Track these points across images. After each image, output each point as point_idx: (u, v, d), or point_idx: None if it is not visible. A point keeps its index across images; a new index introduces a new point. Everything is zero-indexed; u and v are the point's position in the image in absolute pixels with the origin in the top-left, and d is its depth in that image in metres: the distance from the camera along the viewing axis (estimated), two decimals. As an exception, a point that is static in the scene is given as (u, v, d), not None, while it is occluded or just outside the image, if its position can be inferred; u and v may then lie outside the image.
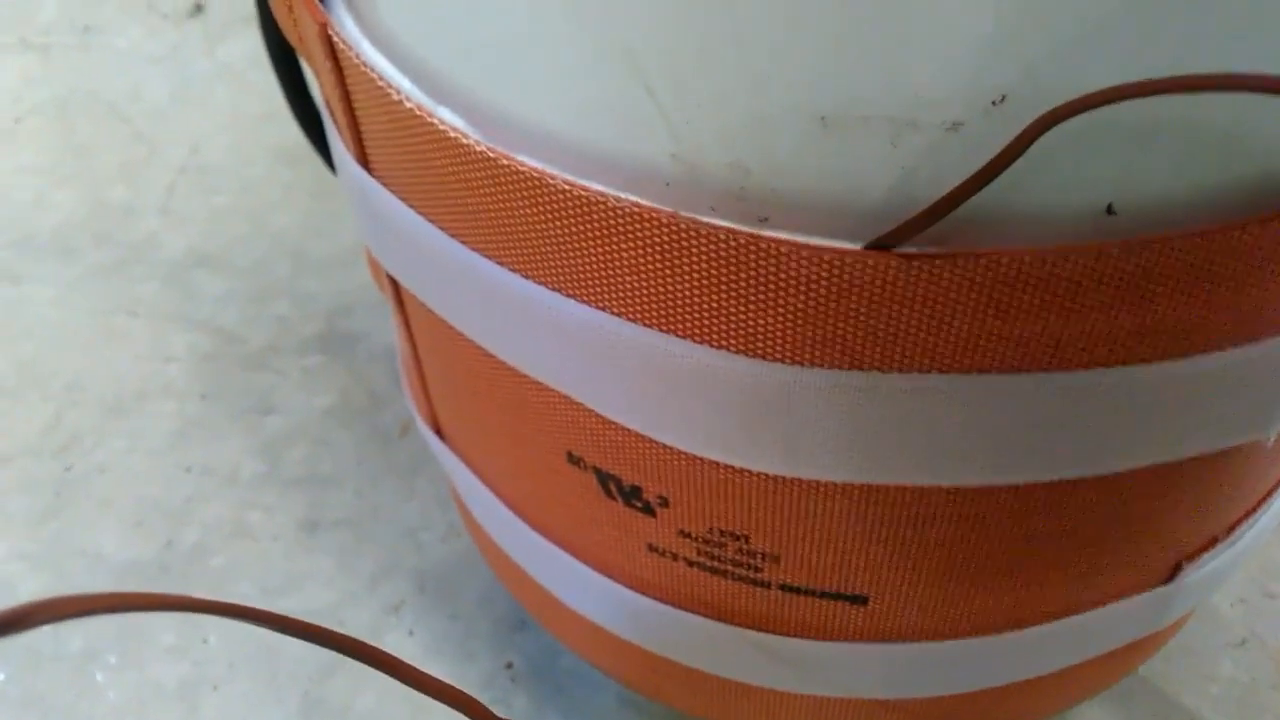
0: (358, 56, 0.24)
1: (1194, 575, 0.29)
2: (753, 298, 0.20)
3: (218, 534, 0.49)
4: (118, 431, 0.54)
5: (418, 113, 0.22)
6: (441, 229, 0.24)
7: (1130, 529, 0.26)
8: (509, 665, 0.43)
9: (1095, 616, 0.29)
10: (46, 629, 0.44)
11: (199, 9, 0.85)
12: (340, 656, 0.42)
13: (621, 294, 0.22)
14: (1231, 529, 0.29)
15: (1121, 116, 0.17)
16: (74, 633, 0.45)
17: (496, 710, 0.36)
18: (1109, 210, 0.19)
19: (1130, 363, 0.20)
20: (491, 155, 0.21)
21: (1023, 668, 0.30)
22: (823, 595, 0.27)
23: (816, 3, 0.17)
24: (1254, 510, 0.30)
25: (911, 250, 0.19)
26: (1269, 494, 0.30)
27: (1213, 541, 0.29)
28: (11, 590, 0.47)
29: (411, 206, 0.25)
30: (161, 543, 0.48)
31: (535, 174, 0.21)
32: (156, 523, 0.49)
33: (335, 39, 0.24)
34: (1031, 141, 0.16)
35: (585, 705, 0.42)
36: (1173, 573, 0.29)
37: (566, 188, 0.20)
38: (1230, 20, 0.16)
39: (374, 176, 0.27)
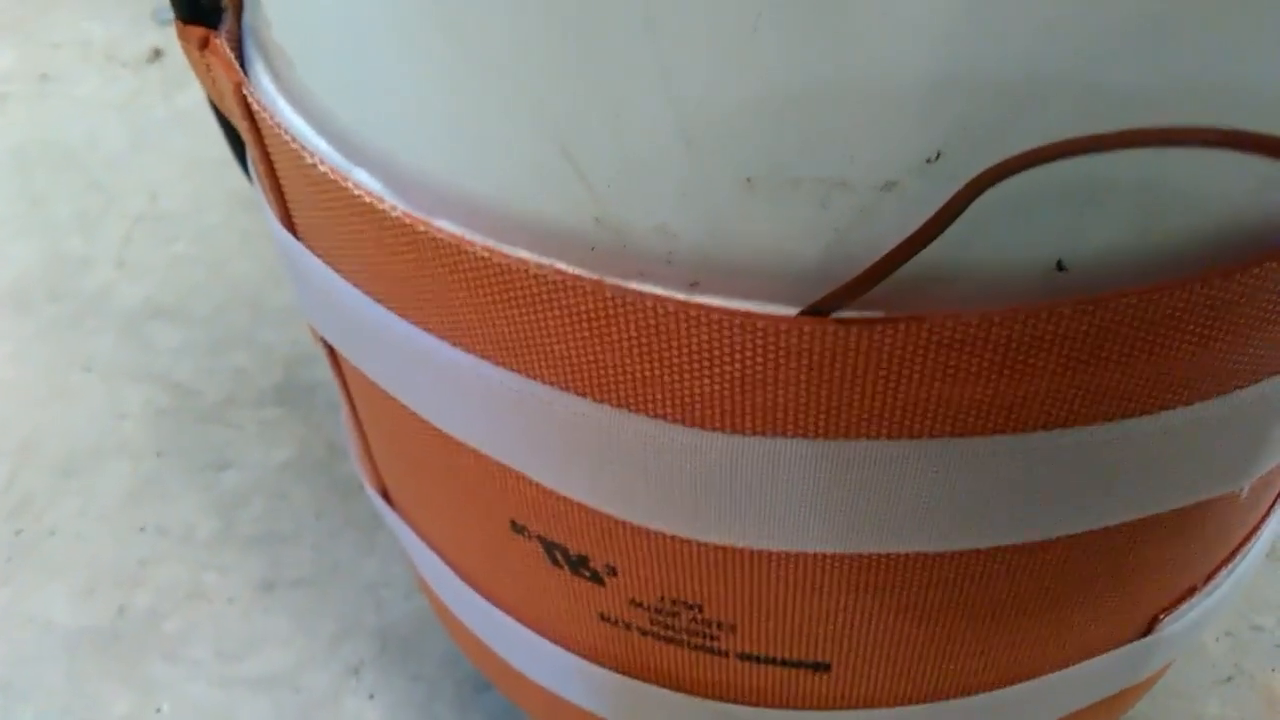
0: (273, 117, 0.22)
1: (1172, 627, 0.28)
2: (686, 366, 0.19)
3: (172, 597, 0.47)
4: (70, 492, 0.52)
5: (332, 176, 0.21)
6: (367, 294, 0.23)
7: (1102, 587, 0.25)
8: (473, 729, 0.42)
9: (1070, 674, 0.27)
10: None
11: (157, 55, 0.84)
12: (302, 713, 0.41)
13: (550, 362, 0.20)
14: (1209, 578, 0.28)
15: (1068, 172, 0.16)
16: (25, 705, 0.44)
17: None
18: (1059, 267, 0.18)
19: (1089, 423, 0.19)
20: (408, 221, 0.20)
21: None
22: (783, 664, 0.26)
23: (738, 61, 0.16)
24: (1231, 558, 0.29)
25: (851, 315, 0.18)
26: (1246, 540, 0.29)
27: (1190, 592, 0.28)
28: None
29: (337, 271, 0.24)
30: (114, 609, 0.47)
31: (453, 240, 0.19)
32: (109, 588, 0.48)
33: (250, 100, 0.23)
34: (968, 203, 0.15)
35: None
36: (1150, 626, 0.28)
37: (485, 255, 0.19)
38: (1175, 73, 0.15)
39: (299, 240, 0.25)
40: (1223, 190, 0.17)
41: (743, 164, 0.17)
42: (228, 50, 0.25)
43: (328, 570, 0.48)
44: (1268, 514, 0.30)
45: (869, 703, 0.27)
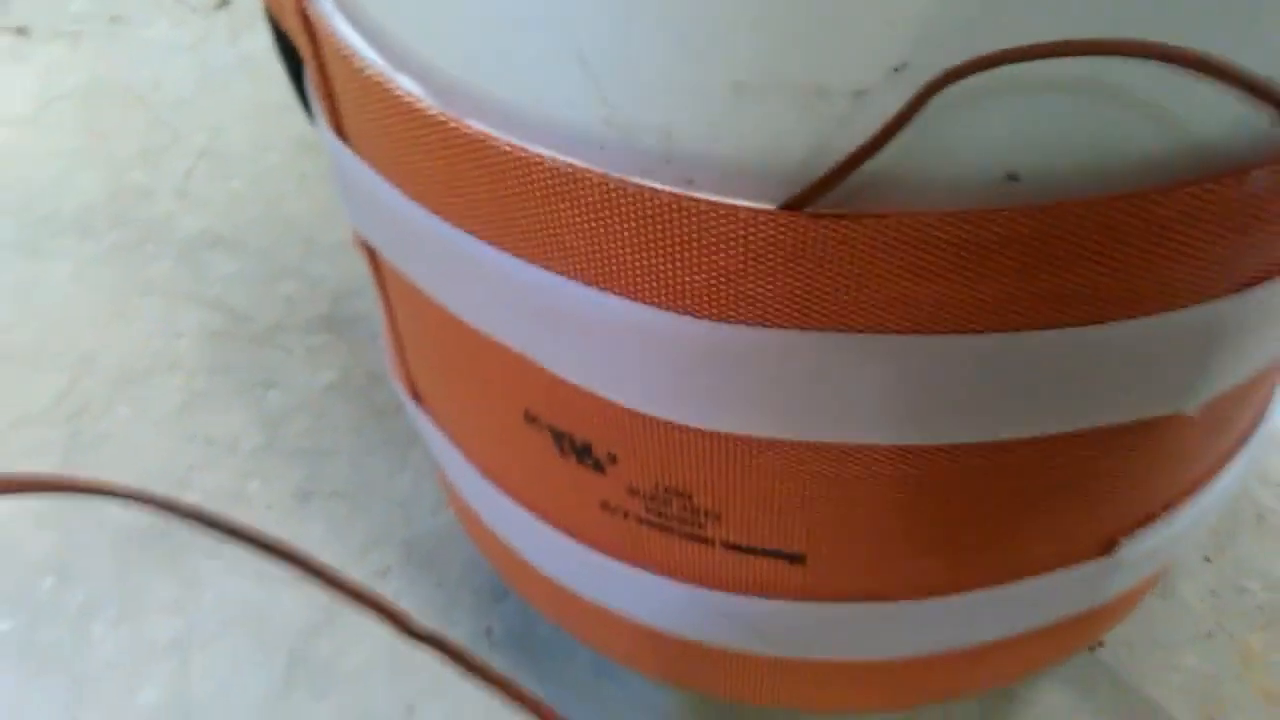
0: (329, 29, 0.25)
1: (1131, 550, 0.30)
2: (678, 256, 0.21)
3: (216, 501, 0.50)
4: (125, 401, 0.56)
5: (379, 80, 0.24)
6: (404, 193, 0.26)
7: (1059, 498, 0.27)
8: (489, 631, 0.45)
9: (1033, 585, 0.30)
10: (50, 582, 0.46)
11: (224, 2, 0.88)
12: (325, 617, 0.44)
13: (562, 253, 0.23)
14: (1168, 507, 0.30)
15: (1019, 81, 0.18)
16: (77, 588, 0.47)
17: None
18: (1010, 177, 0.20)
19: (1038, 328, 0.22)
20: (442, 119, 0.23)
21: (965, 633, 0.31)
22: (763, 553, 0.28)
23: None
24: (1193, 490, 0.31)
25: (824, 211, 0.20)
26: (1208, 476, 0.31)
27: (1150, 518, 0.30)
28: (20, 546, 0.49)
29: (378, 172, 0.27)
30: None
31: (480, 136, 0.22)
32: (158, 489, 0.51)
33: (309, 13, 0.26)
34: (922, 103, 0.18)
35: (560, 671, 0.44)
36: (1109, 546, 0.30)
37: (508, 149, 0.22)
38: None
39: (347, 144, 0.28)
40: (1169, 110, 0.19)
41: (732, 70, 0.19)
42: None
43: (361, 485, 0.51)
44: (1231, 454, 0.32)
45: (840, 595, 0.29)
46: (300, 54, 0.30)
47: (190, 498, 0.51)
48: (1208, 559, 0.47)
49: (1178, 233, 0.21)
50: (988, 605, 0.30)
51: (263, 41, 0.84)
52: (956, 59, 0.18)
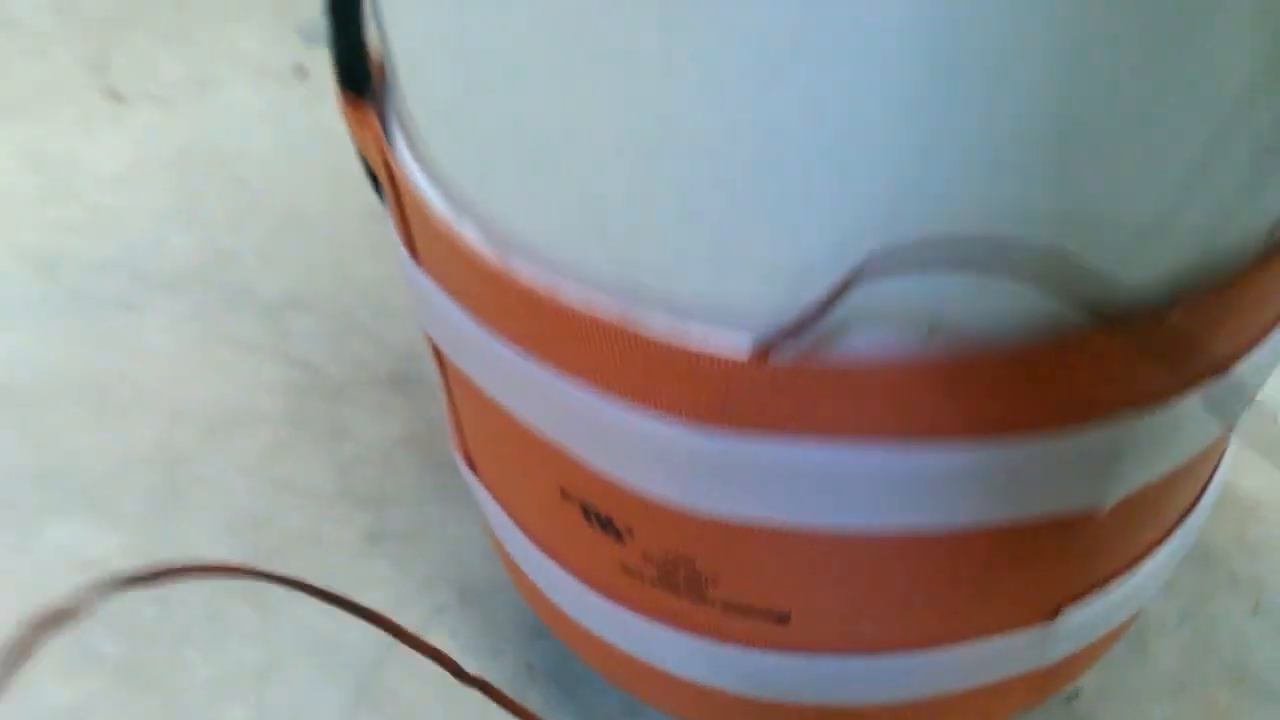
0: (404, 172, 0.32)
1: (1073, 618, 0.35)
2: (672, 382, 0.27)
3: (295, 541, 0.57)
4: (215, 448, 0.63)
5: (446, 227, 0.30)
6: (466, 313, 0.32)
7: (1001, 573, 0.32)
8: (530, 666, 0.51)
9: (985, 645, 0.35)
10: (150, 611, 0.53)
11: (304, 73, 0.96)
12: (389, 651, 0.50)
13: (590, 372, 0.29)
14: (1106, 580, 0.35)
15: (917, 278, 0.24)
16: (174, 617, 0.54)
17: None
18: (930, 332, 0.25)
19: (958, 440, 0.27)
20: (497, 268, 0.29)
21: (927, 684, 0.36)
22: (753, 612, 0.34)
23: (723, 200, 0.24)
24: (1130, 566, 0.36)
25: (784, 360, 0.26)
26: (1145, 552, 0.36)
27: (1088, 590, 0.35)
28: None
29: (445, 292, 0.33)
30: (248, 546, 0.57)
31: (527, 284, 0.28)
32: (244, 529, 0.58)
33: (389, 158, 0.32)
34: (846, 290, 0.24)
35: (593, 707, 0.49)
36: (1051, 614, 0.35)
37: (548, 295, 0.28)
38: (972, 206, 0.23)
39: (419, 265, 0.34)
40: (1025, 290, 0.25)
41: (725, 249, 0.25)
42: (374, 114, 0.34)
43: (423, 530, 0.57)
44: (1170, 529, 0.37)
45: (820, 649, 0.35)
46: (380, 181, 0.36)
47: (271, 537, 0.57)
48: (1182, 618, 0.52)
49: (1062, 375, 0.26)
50: (945, 662, 0.35)
51: (335, 111, 0.91)
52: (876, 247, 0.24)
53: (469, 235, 0.30)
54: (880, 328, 0.26)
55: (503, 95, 0.26)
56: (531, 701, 0.49)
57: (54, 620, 0.30)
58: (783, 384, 0.26)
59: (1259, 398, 0.62)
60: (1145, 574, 0.37)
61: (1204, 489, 0.38)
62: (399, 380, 0.66)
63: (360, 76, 0.34)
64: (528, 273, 0.29)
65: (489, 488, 0.42)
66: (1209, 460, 0.36)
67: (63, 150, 0.87)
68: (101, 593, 0.35)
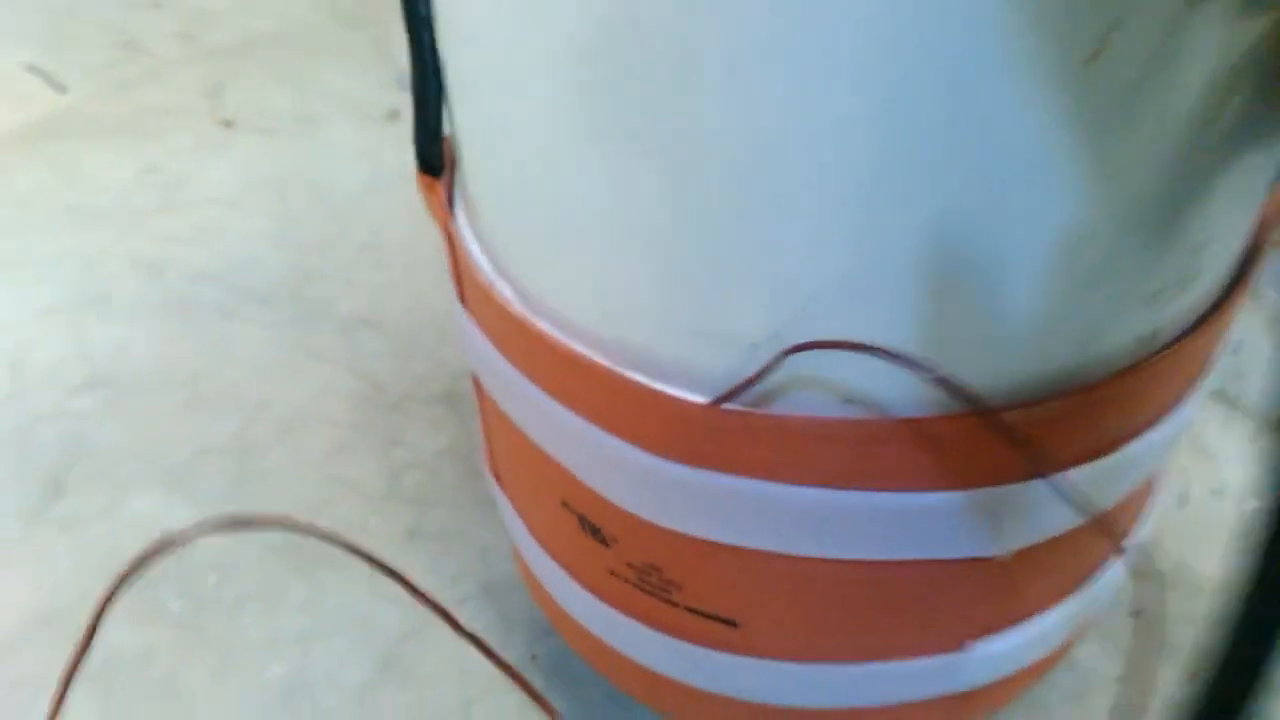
0: (459, 234, 0.40)
1: (982, 651, 0.42)
2: (648, 420, 0.35)
3: (345, 530, 0.65)
4: (285, 444, 0.71)
5: (487, 283, 0.38)
6: (498, 351, 0.40)
7: (913, 602, 0.39)
8: (534, 656, 0.58)
9: (904, 665, 0.42)
10: (213, 578, 0.61)
11: (396, 116, 1.05)
12: (415, 631, 0.58)
13: (585, 407, 0.37)
14: (1015, 621, 0.42)
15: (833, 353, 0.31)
16: (233, 585, 0.63)
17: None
18: (845, 401, 0.33)
19: (871, 489, 0.34)
20: (521, 319, 0.37)
21: (853, 695, 0.43)
22: (709, 617, 0.41)
23: (695, 298, 0.32)
24: (1038, 610, 0.42)
25: (735, 407, 0.33)
26: (1050, 600, 0.43)
27: (997, 627, 0.42)
28: (195, 550, 0.65)
29: (484, 333, 0.41)
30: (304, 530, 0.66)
31: (542, 332, 0.36)
32: (301, 516, 0.66)
33: (451, 230, 0.40)
34: (777, 363, 0.31)
35: (582, 693, 0.57)
36: (959, 645, 0.42)
37: (559, 344, 0.36)
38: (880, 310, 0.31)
39: (466, 309, 0.43)
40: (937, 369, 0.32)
41: (691, 325, 0.33)
42: (442, 186, 0.43)
43: (456, 532, 0.65)
44: (1079, 580, 0.43)
45: (764, 655, 0.42)
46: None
47: (325, 523, 0.66)
48: (1119, 680, 0.58)
49: (943, 446, 0.33)
50: (869, 676, 0.42)
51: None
52: (802, 335, 0.31)
53: (505, 293, 0.38)
54: (807, 394, 0.33)
55: (534, 199, 0.34)
56: (533, 684, 0.57)
57: (162, 547, 0.38)
58: (730, 428, 0.34)
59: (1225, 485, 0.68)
60: (1052, 620, 0.43)
61: (1119, 549, 0.44)
62: (451, 398, 0.75)
63: (433, 159, 0.42)
64: (546, 328, 0.37)
65: (509, 497, 0.49)
66: (1114, 525, 0.43)
67: (177, 169, 0.98)
68: (201, 532, 0.43)
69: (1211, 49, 0.27)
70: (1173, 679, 0.59)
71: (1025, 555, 0.38)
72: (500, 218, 0.38)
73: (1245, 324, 0.80)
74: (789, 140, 0.28)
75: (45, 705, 0.49)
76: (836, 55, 0.26)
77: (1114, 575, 0.45)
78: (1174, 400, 0.37)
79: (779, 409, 0.33)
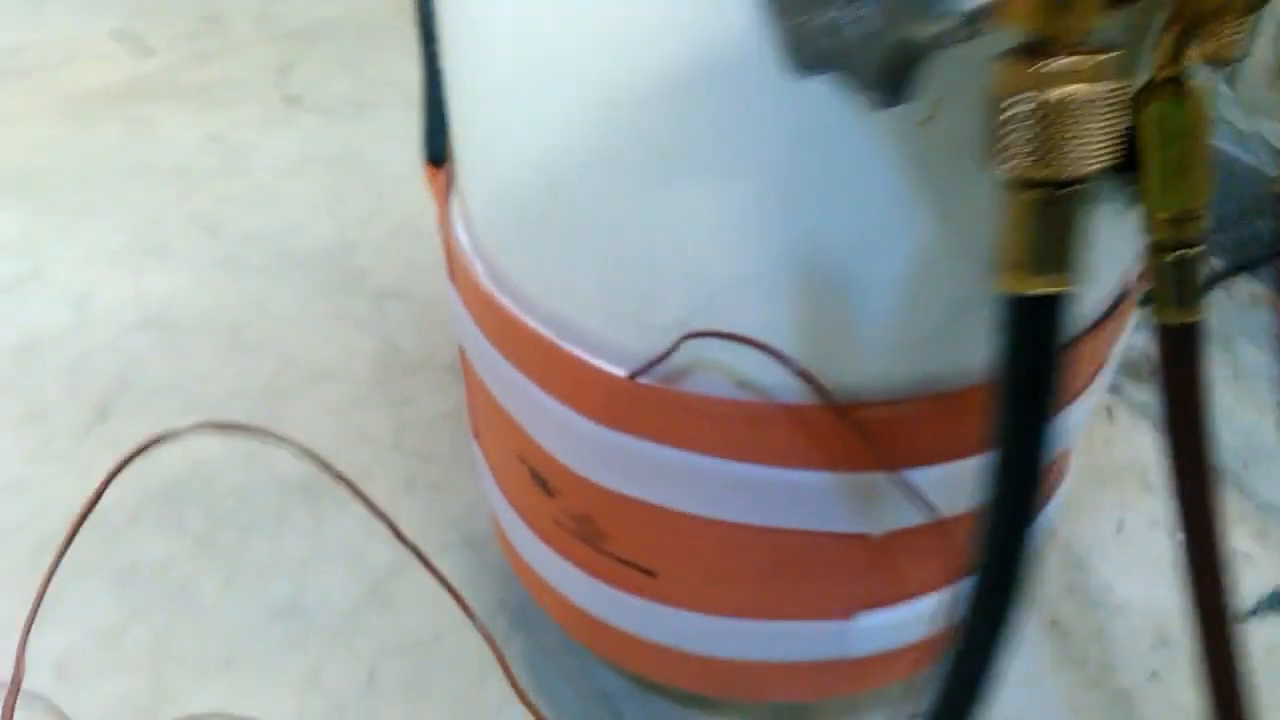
0: (453, 224, 0.47)
1: (867, 622, 0.48)
2: (582, 386, 0.42)
3: (353, 475, 0.73)
4: (310, 393, 0.79)
5: (468, 261, 0.45)
6: (473, 321, 0.47)
7: (803, 568, 0.46)
8: (502, 601, 0.66)
9: (796, 626, 0.48)
10: (231, 501, 0.69)
11: (447, 106, 1.13)
12: (402, 566, 0.65)
13: (537, 374, 0.44)
14: (896, 600, 0.48)
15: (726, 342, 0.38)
16: (249, 510, 0.71)
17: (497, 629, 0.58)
18: (738, 384, 0.39)
19: (760, 463, 0.41)
20: (495, 302, 0.44)
21: (753, 649, 0.49)
22: (631, 565, 0.48)
23: (622, 296, 0.39)
24: (917, 594, 0.49)
25: (649, 382, 0.40)
26: (933, 587, 0.49)
27: (879, 602, 0.48)
28: (217, 477, 0.73)
29: (463, 305, 0.48)
30: (319, 469, 0.73)
31: (503, 306, 0.43)
32: (321, 454, 0.74)
33: (444, 216, 0.48)
34: (676, 347, 0.38)
35: (541, 639, 0.64)
36: (847, 614, 0.48)
37: (521, 321, 0.43)
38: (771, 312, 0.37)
39: (452, 284, 0.50)
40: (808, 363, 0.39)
41: (612, 312, 0.40)
42: (444, 180, 0.50)
43: (448, 486, 0.73)
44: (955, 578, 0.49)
45: (678, 604, 0.48)
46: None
47: (341, 465, 0.74)
48: (1024, 681, 0.64)
49: (810, 432, 0.40)
50: (766, 633, 0.48)
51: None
52: (705, 323, 0.38)
53: (479, 271, 0.45)
54: (708, 377, 0.40)
55: (507, 202, 0.41)
56: (497, 626, 0.64)
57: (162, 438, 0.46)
58: (643, 399, 0.40)
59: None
60: (932, 604, 0.49)
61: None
62: (458, 368, 0.82)
63: (437, 151, 0.50)
64: (508, 303, 0.44)
65: (483, 453, 0.57)
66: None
67: (240, 138, 1.07)
68: (197, 429, 0.51)
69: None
70: (1077, 686, 0.65)
71: (900, 538, 0.45)
72: (480, 208, 0.45)
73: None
74: (692, 184, 0.35)
75: (75, 593, 0.57)
76: (737, 148, 0.33)
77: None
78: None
79: (685, 387, 0.40)
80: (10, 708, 0.56)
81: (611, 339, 0.41)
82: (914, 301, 0.37)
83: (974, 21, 0.22)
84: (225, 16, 1.26)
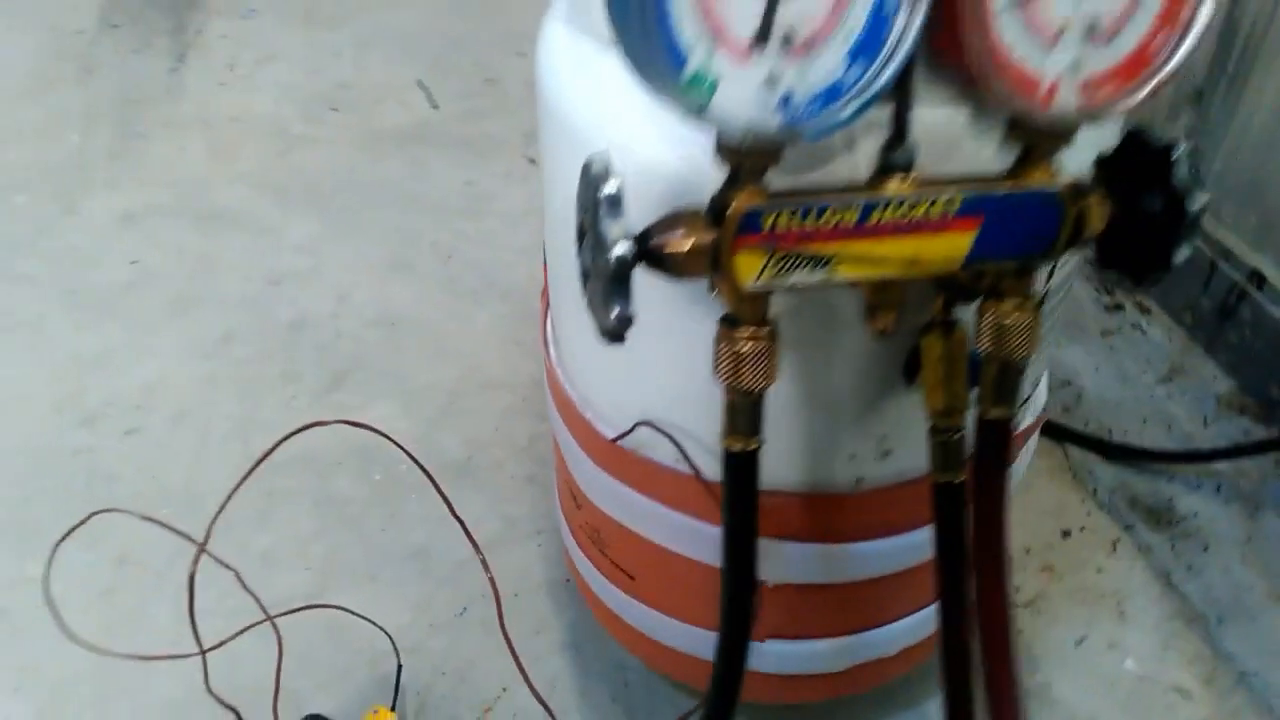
0: (546, 343, 0.71)
1: (775, 649, 0.68)
2: (590, 440, 0.64)
3: (492, 465, 0.98)
4: (480, 397, 1.05)
5: (549, 364, 0.69)
6: (552, 404, 0.70)
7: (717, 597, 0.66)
8: (545, 584, 0.89)
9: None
10: (404, 467, 0.96)
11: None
12: (506, 537, 0.90)
13: (571, 429, 0.66)
14: (795, 638, 0.67)
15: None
16: (412, 473, 0.97)
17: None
18: (682, 457, 0.60)
19: (688, 514, 0.62)
20: (560, 382, 0.67)
21: (700, 649, 0.70)
22: (620, 568, 0.70)
23: (608, 384, 0.61)
24: (805, 637, 0.68)
25: (625, 445, 0.62)
26: (820, 636, 0.68)
27: (782, 635, 0.67)
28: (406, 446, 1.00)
29: (548, 389, 0.71)
30: (469, 456, 0.99)
31: (564, 396, 0.66)
32: (467, 448, 1.00)
33: (544, 337, 0.71)
34: (633, 429, 0.59)
35: (568, 614, 0.86)
36: (763, 638, 0.68)
37: (564, 395, 0.66)
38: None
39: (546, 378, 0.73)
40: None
41: (609, 401, 0.62)
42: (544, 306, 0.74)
43: (496, 468, 0.97)
44: (836, 634, 0.68)
45: (650, 604, 0.69)
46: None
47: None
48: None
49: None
50: (704, 639, 0.69)
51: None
52: (659, 420, 0.59)
53: (560, 374, 0.68)
54: (661, 449, 0.61)
55: (560, 337, 0.64)
56: (558, 598, 0.87)
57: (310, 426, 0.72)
58: (618, 455, 0.62)
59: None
60: (829, 645, 0.68)
61: (885, 623, 0.68)
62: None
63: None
64: (564, 383, 0.67)
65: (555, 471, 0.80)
66: (859, 599, 0.67)
67: (488, 186, 1.35)
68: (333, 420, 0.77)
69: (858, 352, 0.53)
70: None
71: (787, 590, 0.64)
72: (553, 334, 0.68)
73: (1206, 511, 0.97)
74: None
75: (284, 509, 0.85)
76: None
77: (891, 630, 0.69)
78: (882, 529, 0.62)
79: (644, 454, 0.62)
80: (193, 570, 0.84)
81: (606, 415, 0.63)
82: (789, 432, 0.57)
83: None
84: (503, 80, 1.56)
